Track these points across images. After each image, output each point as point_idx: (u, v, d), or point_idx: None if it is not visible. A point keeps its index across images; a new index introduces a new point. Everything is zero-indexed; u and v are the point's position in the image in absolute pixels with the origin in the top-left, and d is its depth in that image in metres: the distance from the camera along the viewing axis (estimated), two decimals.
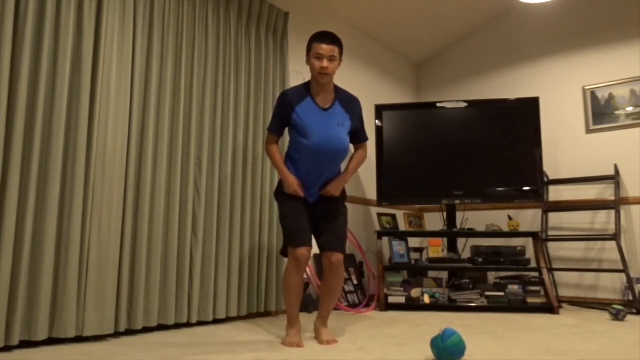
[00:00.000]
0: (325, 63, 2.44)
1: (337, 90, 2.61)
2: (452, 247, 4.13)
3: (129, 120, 2.57)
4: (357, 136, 2.68)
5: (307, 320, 3.06)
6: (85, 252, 2.31)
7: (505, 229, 4.16)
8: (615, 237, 3.79)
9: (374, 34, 4.75)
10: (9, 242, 2.06)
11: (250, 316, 3.16)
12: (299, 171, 2.51)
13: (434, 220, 4.62)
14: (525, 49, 4.75)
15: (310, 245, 2.41)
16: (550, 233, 4.34)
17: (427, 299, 3.68)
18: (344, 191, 2.64)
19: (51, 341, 2.21)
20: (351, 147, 2.69)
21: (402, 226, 4.46)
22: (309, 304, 3.47)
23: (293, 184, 2.46)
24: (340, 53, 2.51)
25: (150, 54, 2.70)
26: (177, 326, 2.75)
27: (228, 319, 3.04)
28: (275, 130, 2.58)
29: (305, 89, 2.56)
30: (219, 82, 3.09)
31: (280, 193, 2.54)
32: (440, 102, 4.18)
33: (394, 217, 4.46)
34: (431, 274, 4.28)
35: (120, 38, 2.56)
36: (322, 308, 2.51)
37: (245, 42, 3.30)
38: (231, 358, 1.99)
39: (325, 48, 2.44)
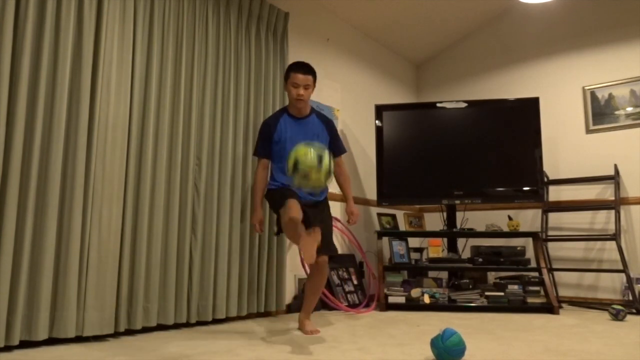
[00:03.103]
0: (301, 91, 2.81)
1: (314, 110, 2.98)
2: (452, 247, 4.12)
3: (129, 120, 2.57)
4: (337, 147, 3.00)
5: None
6: (85, 252, 2.31)
7: (505, 229, 4.16)
8: (615, 237, 3.79)
9: (374, 34, 4.75)
10: (9, 242, 2.06)
11: (250, 316, 3.16)
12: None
13: (434, 220, 4.62)
14: (525, 49, 4.75)
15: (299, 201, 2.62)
16: (550, 233, 4.33)
17: (427, 299, 3.68)
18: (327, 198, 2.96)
19: (51, 341, 2.21)
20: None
21: (402, 226, 4.46)
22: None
23: (256, 219, 2.89)
24: (314, 81, 2.87)
25: (150, 54, 2.70)
26: (177, 326, 2.75)
27: (228, 319, 3.04)
28: (260, 151, 2.90)
29: (282, 110, 2.95)
30: (219, 82, 3.09)
31: (271, 197, 2.84)
32: (440, 102, 4.18)
33: (394, 217, 4.46)
34: (431, 274, 4.28)
35: (120, 38, 2.56)
36: (307, 303, 2.78)
37: (245, 42, 3.30)
38: (231, 358, 1.99)
39: (301, 77, 2.80)
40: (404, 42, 4.98)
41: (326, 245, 2.69)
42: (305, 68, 2.83)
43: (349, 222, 3.01)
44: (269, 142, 2.86)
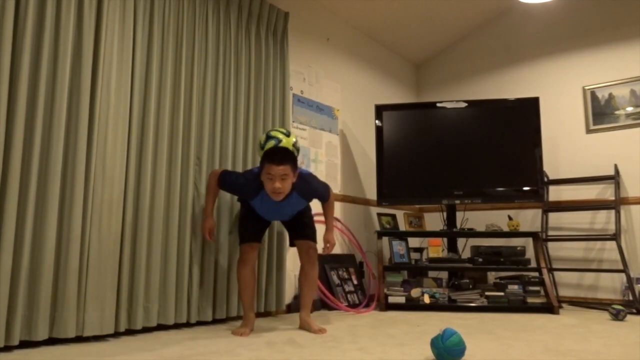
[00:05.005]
0: (277, 184, 2.44)
1: (297, 186, 2.58)
2: (452, 247, 4.13)
3: (129, 120, 2.57)
4: (320, 198, 2.81)
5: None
6: (85, 252, 2.31)
7: (505, 229, 4.16)
8: (615, 237, 3.79)
9: (374, 34, 4.75)
10: (9, 242, 2.06)
11: None
12: None
13: (434, 220, 4.62)
14: (525, 49, 4.75)
15: (255, 242, 2.75)
16: (550, 233, 4.34)
17: (427, 299, 3.68)
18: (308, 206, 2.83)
19: (51, 341, 2.21)
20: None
21: (402, 226, 4.46)
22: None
23: (207, 227, 2.72)
24: (293, 169, 2.49)
25: (150, 53, 2.70)
26: (177, 326, 2.75)
27: (228, 319, 3.04)
28: (225, 187, 2.69)
29: (260, 184, 2.56)
30: (219, 82, 3.08)
31: (242, 215, 2.82)
32: (440, 102, 4.18)
33: (394, 217, 4.46)
34: (431, 274, 4.28)
35: (120, 38, 2.56)
36: (305, 298, 2.75)
37: (245, 42, 3.30)
38: (231, 358, 1.99)
39: (276, 169, 2.42)
40: (404, 42, 4.98)
41: (312, 233, 2.80)
42: (280, 157, 2.44)
43: (323, 250, 2.81)
44: (238, 193, 2.72)
